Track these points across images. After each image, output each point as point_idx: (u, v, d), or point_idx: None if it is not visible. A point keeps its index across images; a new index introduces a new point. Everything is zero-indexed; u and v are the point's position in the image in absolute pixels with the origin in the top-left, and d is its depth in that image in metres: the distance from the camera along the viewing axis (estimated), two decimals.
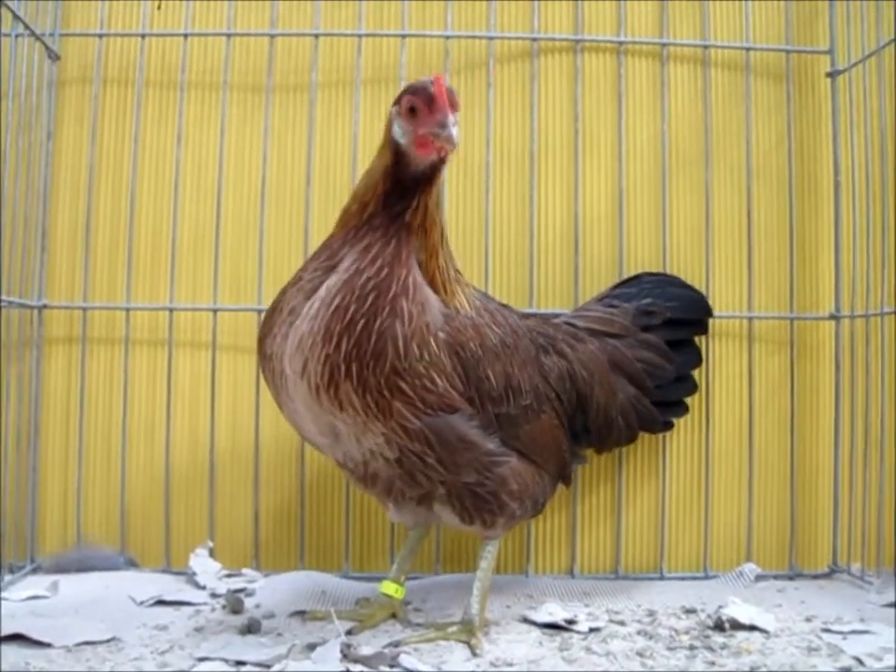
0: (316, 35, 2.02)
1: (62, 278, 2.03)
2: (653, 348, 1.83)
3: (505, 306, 1.70)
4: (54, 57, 2.03)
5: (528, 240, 2.03)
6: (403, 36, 2.02)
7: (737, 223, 2.04)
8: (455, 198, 2.03)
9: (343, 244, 1.50)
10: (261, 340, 1.55)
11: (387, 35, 2.04)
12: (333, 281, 1.45)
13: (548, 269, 2.03)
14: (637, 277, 1.92)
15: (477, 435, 1.51)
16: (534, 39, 2.04)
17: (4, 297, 1.82)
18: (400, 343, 1.43)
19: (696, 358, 1.92)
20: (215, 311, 1.99)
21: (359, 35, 2.02)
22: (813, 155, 2.06)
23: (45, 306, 2.00)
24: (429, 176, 1.46)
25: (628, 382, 1.80)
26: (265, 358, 1.53)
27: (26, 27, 1.89)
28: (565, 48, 2.05)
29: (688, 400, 1.92)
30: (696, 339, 1.93)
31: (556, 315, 1.85)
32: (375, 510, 1.98)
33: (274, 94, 2.03)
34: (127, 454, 2.00)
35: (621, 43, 2.04)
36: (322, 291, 1.46)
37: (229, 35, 2.03)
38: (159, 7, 2.05)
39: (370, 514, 2.00)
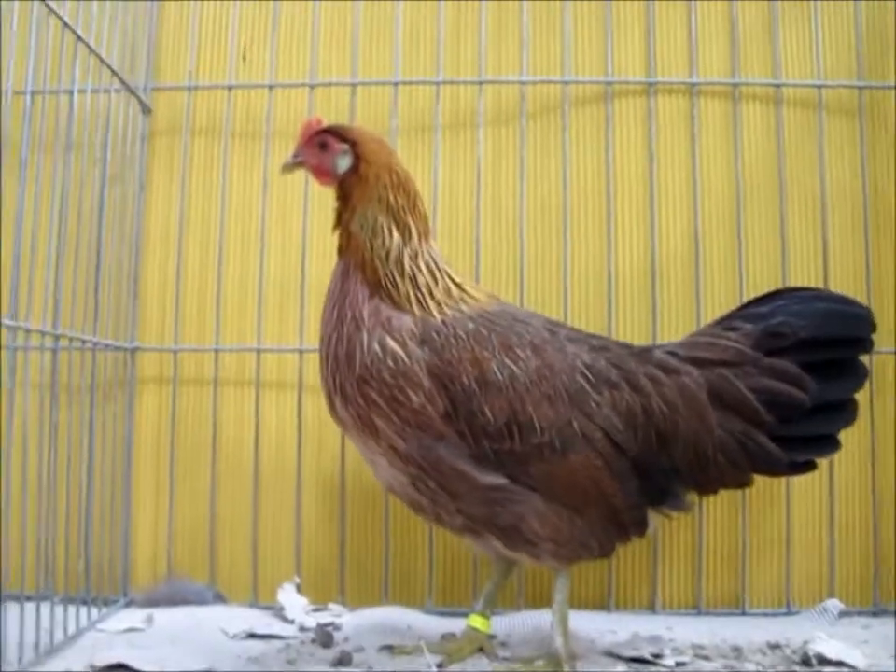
0: (396, 84, 2.09)
1: (153, 322, 2.12)
2: (780, 375, 1.64)
3: (579, 339, 1.65)
4: (146, 110, 2.12)
5: (606, 279, 2.06)
6: (480, 83, 2.09)
7: (813, 260, 2.05)
8: (535, 239, 2.08)
9: None
10: None
11: (464, 82, 2.10)
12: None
13: (626, 307, 2.07)
14: (776, 293, 1.76)
15: (470, 467, 1.52)
16: (608, 83, 2.09)
17: (99, 339, 1.88)
18: (365, 342, 1.54)
19: (852, 383, 1.69)
20: (300, 351, 2.05)
21: (437, 83, 2.09)
22: (887, 190, 2.06)
23: (137, 348, 2.09)
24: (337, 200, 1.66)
25: (734, 415, 1.64)
26: None
27: (122, 83, 1.99)
28: (638, 90, 2.10)
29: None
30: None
31: (661, 346, 1.74)
32: (458, 544, 2.01)
33: None
34: (216, 491, 2.06)
35: (693, 84, 2.08)
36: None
37: (311, 86, 2.11)
38: (244, 59, 2.14)
39: (452, 549, 2.03)
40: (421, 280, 1.58)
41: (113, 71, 1.93)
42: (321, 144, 1.65)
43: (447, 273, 1.62)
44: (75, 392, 1.81)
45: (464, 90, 2.12)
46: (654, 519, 1.67)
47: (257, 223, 2.09)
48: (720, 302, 2.03)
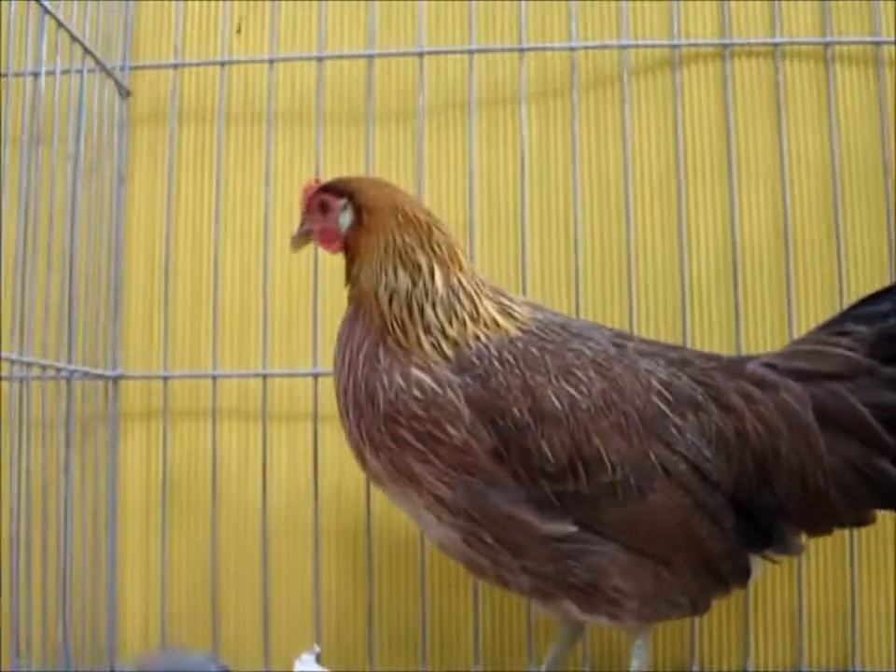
0: (421, 54, 1.98)
1: (138, 344, 2.04)
2: None
3: (653, 352, 1.57)
4: (124, 93, 2.04)
5: (679, 275, 1.94)
6: (521, 51, 1.97)
7: None
8: (591, 233, 1.98)
9: None
10: None
11: (503, 50, 2.00)
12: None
13: (703, 307, 1.94)
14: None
15: (530, 515, 1.43)
16: (674, 46, 1.96)
17: (75, 366, 1.80)
18: (385, 378, 1.47)
19: None
20: (315, 376, 1.93)
21: (470, 52, 1.98)
22: None
23: (120, 376, 1.99)
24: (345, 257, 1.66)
25: (848, 438, 1.51)
26: None
27: (97, 62, 1.90)
28: (711, 54, 1.98)
29: None
30: None
31: (754, 357, 1.62)
32: (509, 599, 1.89)
33: (376, 123, 2.01)
34: (217, 541, 1.95)
35: (776, 45, 1.95)
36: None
37: (320, 59, 2.01)
38: (238, 31, 2.06)
39: (502, 604, 1.91)
40: (433, 320, 1.51)
41: (86, 48, 1.84)
42: (321, 205, 1.65)
43: (478, 297, 1.55)
44: (49, 429, 1.77)
45: (502, 59, 2.01)
46: (758, 565, 1.54)
47: (259, 223, 2.00)
48: (815, 302, 1.92)
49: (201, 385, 2.00)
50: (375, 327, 1.52)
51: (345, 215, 1.61)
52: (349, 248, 1.61)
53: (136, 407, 2.02)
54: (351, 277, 1.60)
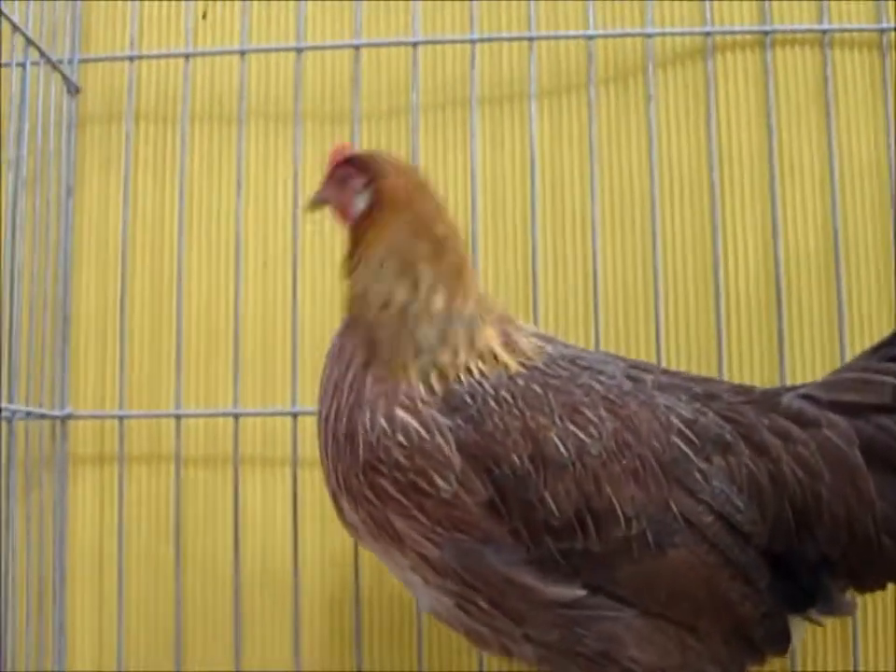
0: (415, 44, 1.91)
1: (89, 379, 1.98)
2: None
3: (674, 385, 1.50)
4: (73, 89, 1.97)
5: (713, 295, 1.85)
6: (531, 40, 1.89)
7: None
8: (612, 245, 1.90)
9: None
10: None
11: (510, 39, 1.93)
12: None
13: (741, 332, 1.86)
14: None
15: (532, 577, 1.37)
16: (707, 34, 1.88)
17: (16, 406, 1.74)
18: (368, 417, 1.41)
19: None
20: (294, 415, 1.84)
21: (472, 41, 1.90)
22: None
23: (69, 416, 1.93)
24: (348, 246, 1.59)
25: None
26: None
27: (42, 54, 1.86)
28: (749, 42, 1.91)
29: None
30: None
31: (792, 389, 1.56)
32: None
33: (363, 123, 1.96)
34: (182, 602, 1.87)
35: (825, 32, 1.87)
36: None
37: (299, 50, 1.94)
38: (204, 17, 2.01)
39: None
40: (425, 342, 1.44)
41: (28, 39, 1.78)
42: (343, 178, 1.58)
43: (480, 326, 1.47)
44: None
45: (509, 49, 1.95)
46: (799, 628, 1.45)
47: (229, 237, 1.93)
48: (870, 324, 1.84)
49: (162, 426, 1.94)
50: (363, 341, 1.46)
51: (361, 197, 1.54)
52: (354, 233, 1.54)
53: (88, 451, 1.96)
54: (349, 270, 1.53)
